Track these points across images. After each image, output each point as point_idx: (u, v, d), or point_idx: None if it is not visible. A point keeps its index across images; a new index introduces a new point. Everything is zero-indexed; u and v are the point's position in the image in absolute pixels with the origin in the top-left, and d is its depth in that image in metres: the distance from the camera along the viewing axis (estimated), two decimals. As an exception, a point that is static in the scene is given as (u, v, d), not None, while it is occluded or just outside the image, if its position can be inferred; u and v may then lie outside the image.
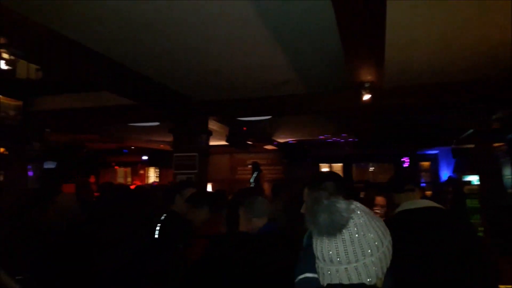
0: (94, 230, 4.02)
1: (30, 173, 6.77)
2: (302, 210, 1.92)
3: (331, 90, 5.15)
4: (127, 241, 3.71)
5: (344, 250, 1.06)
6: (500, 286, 3.30)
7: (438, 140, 9.75)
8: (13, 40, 3.32)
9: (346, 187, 2.63)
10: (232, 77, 4.64)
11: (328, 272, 1.09)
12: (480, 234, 5.36)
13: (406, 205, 2.37)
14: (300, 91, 5.16)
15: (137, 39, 3.64)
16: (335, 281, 1.08)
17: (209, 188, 10.80)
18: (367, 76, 3.95)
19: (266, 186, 8.78)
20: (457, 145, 8.80)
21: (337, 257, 1.06)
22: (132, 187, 8.32)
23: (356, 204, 1.14)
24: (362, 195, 4.74)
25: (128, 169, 14.00)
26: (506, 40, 3.41)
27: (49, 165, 12.26)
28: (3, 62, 2.87)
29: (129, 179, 13.81)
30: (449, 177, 9.72)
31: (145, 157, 11.69)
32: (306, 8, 2.91)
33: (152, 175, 13.90)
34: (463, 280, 2.06)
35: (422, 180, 11.65)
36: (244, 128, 7.73)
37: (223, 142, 8.10)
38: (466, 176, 8.09)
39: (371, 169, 13.36)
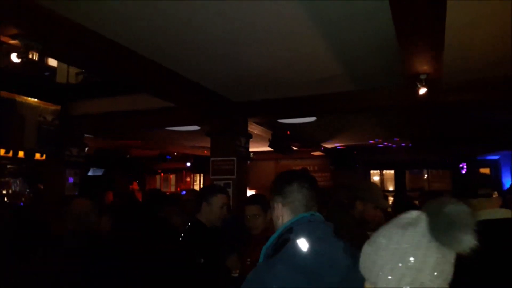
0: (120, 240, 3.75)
1: (70, 180, 6.73)
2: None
3: (382, 86, 4.61)
4: (151, 253, 3.39)
5: None
6: None
7: (501, 144, 8.80)
8: (54, 41, 3.18)
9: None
10: (274, 74, 4.23)
11: None
12: None
13: (484, 214, 1.85)
14: (347, 87, 4.65)
15: (177, 39, 3.40)
16: None
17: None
18: (423, 66, 3.40)
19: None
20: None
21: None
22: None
23: None
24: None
25: (173, 176, 13.96)
26: None
27: (96, 172, 12.48)
28: (15, 54, 2.65)
29: (174, 186, 13.76)
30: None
31: (188, 164, 11.54)
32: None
33: (198, 182, 13.78)
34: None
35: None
36: (288, 132, 7.30)
37: (268, 148, 7.71)
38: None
39: (426, 176, 12.43)
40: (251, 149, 10.01)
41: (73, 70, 6.47)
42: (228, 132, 5.24)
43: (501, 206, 2.00)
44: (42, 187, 6.77)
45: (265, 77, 4.37)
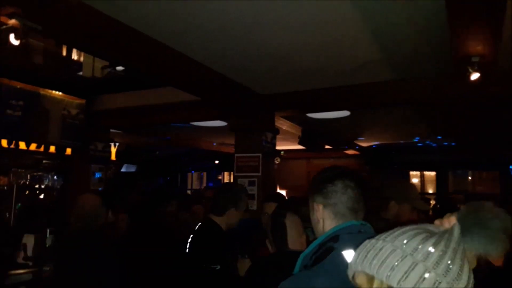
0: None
1: (97, 175, 6.61)
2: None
3: (424, 75, 4.13)
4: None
5: None
6: None
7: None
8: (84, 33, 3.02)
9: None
10: (303, 62, 3.85)
11: None
12: None
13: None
14: (384, 76, 4.20)
15: (203, 29, 3.13)
16: None
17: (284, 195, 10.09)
18: (476, 46, 2.92)
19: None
20: None
21: None
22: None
23: None
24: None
25: (204, 174, 13.81)
26: None
27: (130, 168, 12.49)
28: (13, 35, 2.42)
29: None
30: None
31: (217, 161, 11.32)
32: None
33: (228, 180, 13.58)
34: None
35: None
36: (318, 129, 6.87)
37: (299, 146, 7.32)
38: None
39: (471, 178, 11.62)
40: (281, 147, 9.69)
41: (98, 64, 6.35)
42: (253, 127, 4.89)
43: None
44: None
45: (293, 66, 3.99)
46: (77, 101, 5.94)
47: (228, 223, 2.45)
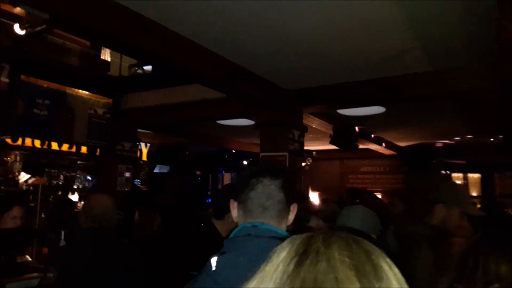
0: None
1: (127, 174, 6.57)
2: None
3: (468, 65, 3.74)
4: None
5: None
6: None
7: None
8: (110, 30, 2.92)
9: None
10: (332, 52, 3.56)
11: None
12: None
13: None
14: (421, 67, 3.84)
15: (230, 21, 2.96)
16: None
17: (316, 197, 9.75)
18: (528, 28, 2.55)
19: (383, 198, 7.45)
20: None
21: None
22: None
23: None
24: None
25: (236, 174, 13.66)
26: None
27: (163, 169, 12.53)
28: (17, 25, 2.30)
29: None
30: None
31: (245, 162, 11.12)
32: None
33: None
34: None
35: None
36: (357, 129, 6.52)
37: (332, 147, 6.99)
38: None
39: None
40: (313, 147, 9.37)
41: (125, 63, 6.31)
42: (279, 124, 4.64)
43: None
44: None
45: (321, 58, 3.72)
46: (104, 100, 5.90)
47: (227, 229, 2.18)
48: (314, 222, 3.25)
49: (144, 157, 9.42)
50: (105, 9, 2.76)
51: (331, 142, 6.54)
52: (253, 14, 2.86)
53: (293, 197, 1.30)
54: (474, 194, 10.66)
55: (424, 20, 2.90)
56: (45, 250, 3.85)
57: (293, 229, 1.37)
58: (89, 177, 7.83)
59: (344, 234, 0.67)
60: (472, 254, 1.50)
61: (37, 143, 6.95)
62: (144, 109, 6.01)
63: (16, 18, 2.87)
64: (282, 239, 1.09)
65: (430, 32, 3.11)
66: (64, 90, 5.44)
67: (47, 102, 5.12)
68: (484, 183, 10.32)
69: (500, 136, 7.53)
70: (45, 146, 7.04)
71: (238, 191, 1.30)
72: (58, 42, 5.55)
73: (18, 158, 5.82)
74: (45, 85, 5.18)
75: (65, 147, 7.55)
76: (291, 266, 0.63)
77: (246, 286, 0.71)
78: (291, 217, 1.29)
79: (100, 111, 5.80)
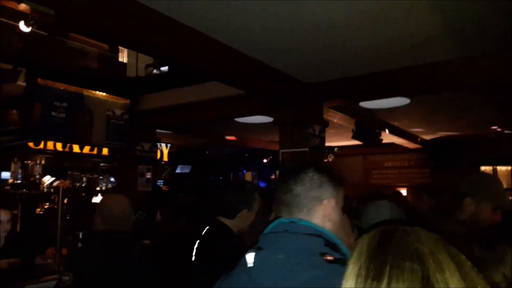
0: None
1: (148, 175, 6.54)
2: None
3: (497, 52, 3.50)
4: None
5: None
6: None
7: None
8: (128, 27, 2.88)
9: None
10: (350, 41, 3.39)
11: None
12: None
13: None
14: (447, 55, 3.63)
15: (247, 14, 2.85)
16: None
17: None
18: None
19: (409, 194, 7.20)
20: None
21: None
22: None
23: None
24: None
25: (257, 173, 13.56)
26: None
27: (184, 169, 12.53)
28: (22, 22, 2.24)
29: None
30: None
31: (265, 160, 11.00)
32: None
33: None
34: None
35: None
36: (374, 120, 6.30)
37: (355, 142, 6.78)
38: None
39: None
40: (335, 143, 9.15)
41: (142, 64, 6.28)
42: (299, 119, 4.49)
43: None
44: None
45: (341, 49, 3.55)
46: (121, 101, 5.88)
47: (239, 227, 2.16)
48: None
49: (165, 158, 9.42)
50: (117, 5, 2.68)
51: (354, 137, 6.34)
52: (272, 5, 2.73)
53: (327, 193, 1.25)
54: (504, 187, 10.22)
55: (454, 2, 2.71)
56: (64, 251, 3.83)
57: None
58: (112, 179, 7.86)
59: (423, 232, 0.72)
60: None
61: (59, 146, 7.02)
62: (162, 109, 5.96)
63: (27, 20, 2.84)
64: (320, 235, 1.05)
65: (460, 15, 2.90)
66: (81, 92, 5.43)
67: (64, 104, 5.11)
68: (515, 176, 9.90)
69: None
70: (66, 149, 7.11)
71: (277, 186, 1.29)
72: (75, 46, 5.54)
73: (38, 161, 5.85)
74: (62, 88, 5.18)
75: (86, 149, 7.60)
76: None
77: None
78: (328, 212, 1.23)
79: (118, 112, 5.77)
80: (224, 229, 2.09)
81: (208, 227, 2.15)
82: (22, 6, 3.48)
